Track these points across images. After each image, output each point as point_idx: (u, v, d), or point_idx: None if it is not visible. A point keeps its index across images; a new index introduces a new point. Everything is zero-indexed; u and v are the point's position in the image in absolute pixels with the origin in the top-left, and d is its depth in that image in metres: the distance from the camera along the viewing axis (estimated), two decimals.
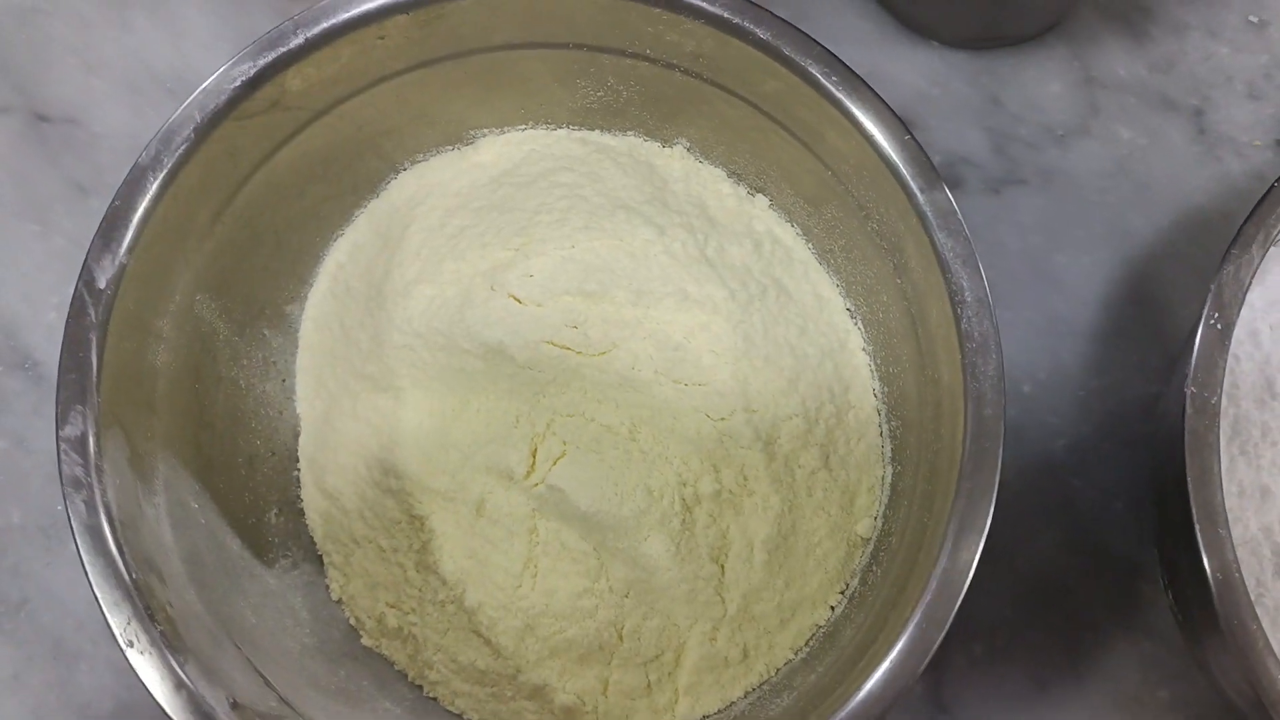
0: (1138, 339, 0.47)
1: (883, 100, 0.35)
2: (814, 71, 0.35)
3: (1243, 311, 0.36)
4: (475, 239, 0.41)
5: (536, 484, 0.39)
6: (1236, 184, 0.49)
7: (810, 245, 0.42)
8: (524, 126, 0.43)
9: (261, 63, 0.35)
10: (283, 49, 0.36)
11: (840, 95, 0.35)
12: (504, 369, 0.40)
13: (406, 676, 0.40)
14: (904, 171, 0.34)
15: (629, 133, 0.43)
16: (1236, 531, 0.36)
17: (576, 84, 0.41)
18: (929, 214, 0.34)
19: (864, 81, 0.35)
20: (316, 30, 0.36)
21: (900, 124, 0.34)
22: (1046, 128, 0.49)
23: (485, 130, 0.43)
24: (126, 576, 0.32)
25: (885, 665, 0.31)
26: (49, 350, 0.48)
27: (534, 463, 0.40)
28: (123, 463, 0.34)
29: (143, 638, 0.31)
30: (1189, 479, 0.33)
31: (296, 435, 0.43)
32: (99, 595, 0.32)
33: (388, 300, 0.41)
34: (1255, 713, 0.34)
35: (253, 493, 0.41)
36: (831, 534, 0.39)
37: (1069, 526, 0.45)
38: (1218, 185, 0.49)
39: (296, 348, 0.43)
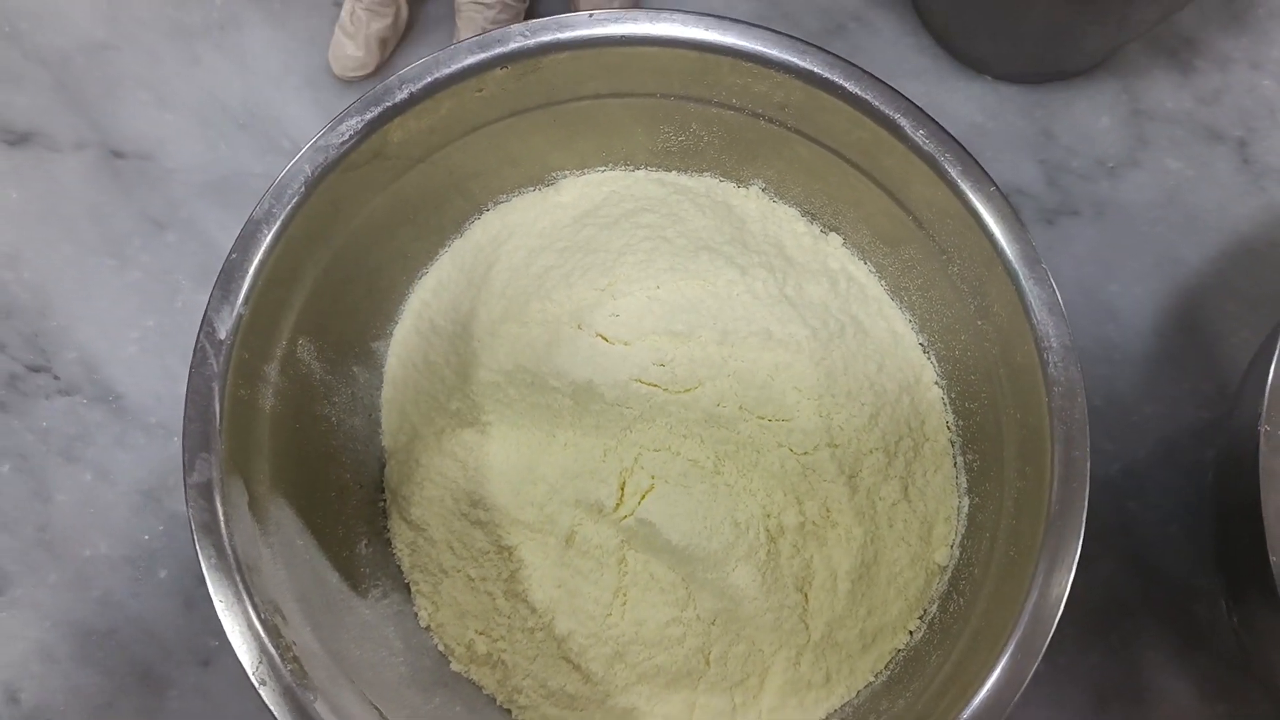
0: (1189, 366, 0.48)
1: (969, 153, 0.36)
2: (903, 125, 0.36)
3: None
4: (561, 279, 0.42)
5: (625, 516, 0.41)
6: None
7: (883, 283, 0.43)
8: (603, 168, 0.44)
9: (369, 116, 0.37)
10: (388, 103, 0.37)
11: (929, 149, 0.36)
12: (592, 405, 0.41)
13: (496, 701, 0.42)
14: (990, 222, 0.36)
15: (706, 173, 0.44)
16: None
17: (659, 129, 0.42)
18: (1014, 263, 0.36)
19: (951, 135, 0.36)
20: (420, 85, 0.37)
21: (986, 176, 0.36)
22: (1098, 160, 0.51)
23: (565, 171, 0.44)
24: (255, 618, 0.33)
25: (983, 693, 0.33)
26: (130, 383, 0.49)
27: (622, 496, 0.41)
28: (243, 508, 0.35)
29: (273, 677, 0.33)
30: (1264, 515, 0.35)
31: (381, 467, 0.44)
32: (231, 637, 0.33)
33: (474, 338, 0.43)
34: None
35: (345, 526, 0.42)
36: (912, 564, 0.40)
37: (1126, 549, 0.46)
38: (1264, 215, 0.50)
39: (381, 383, 0.44)
